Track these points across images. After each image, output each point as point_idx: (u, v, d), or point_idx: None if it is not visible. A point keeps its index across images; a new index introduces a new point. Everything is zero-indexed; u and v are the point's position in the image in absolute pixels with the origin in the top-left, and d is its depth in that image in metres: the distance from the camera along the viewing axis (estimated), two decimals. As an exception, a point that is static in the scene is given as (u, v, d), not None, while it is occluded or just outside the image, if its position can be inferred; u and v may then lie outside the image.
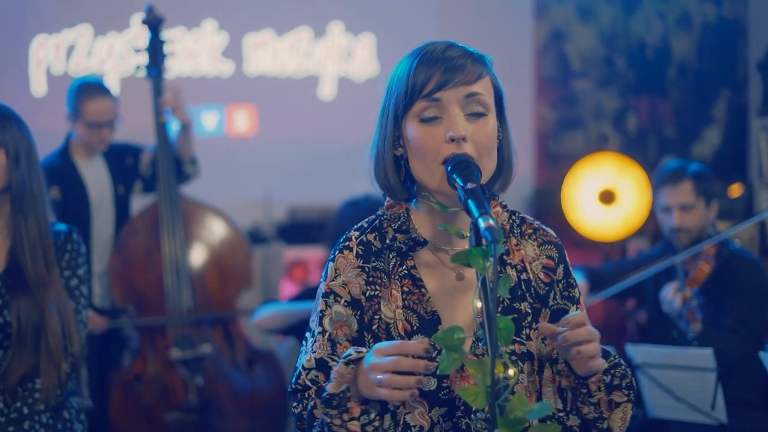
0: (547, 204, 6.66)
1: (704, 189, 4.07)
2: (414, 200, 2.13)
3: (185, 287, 4.70)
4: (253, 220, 6.23)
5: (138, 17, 6.26)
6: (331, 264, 2.12)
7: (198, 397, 4.61)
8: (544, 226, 2.18)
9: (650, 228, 6.23)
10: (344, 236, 2.15)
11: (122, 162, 4.92)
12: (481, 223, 1.76)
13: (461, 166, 1.92)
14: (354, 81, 6.74)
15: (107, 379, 4.71)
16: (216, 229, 4.92)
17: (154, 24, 4.88)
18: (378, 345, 1.89)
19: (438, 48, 2.03)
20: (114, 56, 6.30)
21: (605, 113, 7.35)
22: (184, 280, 4.71)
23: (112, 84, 6.26)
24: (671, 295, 3.84)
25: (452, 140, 1.97)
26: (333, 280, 2.10)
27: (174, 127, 4.90)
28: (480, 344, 1.93)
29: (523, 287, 2.10)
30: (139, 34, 6.31)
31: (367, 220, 2.17)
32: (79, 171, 4.79)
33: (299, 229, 6.41)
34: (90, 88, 4.73)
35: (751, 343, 3.86)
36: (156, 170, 4.82)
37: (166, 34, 4.97)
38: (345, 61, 6.73)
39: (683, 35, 7.51)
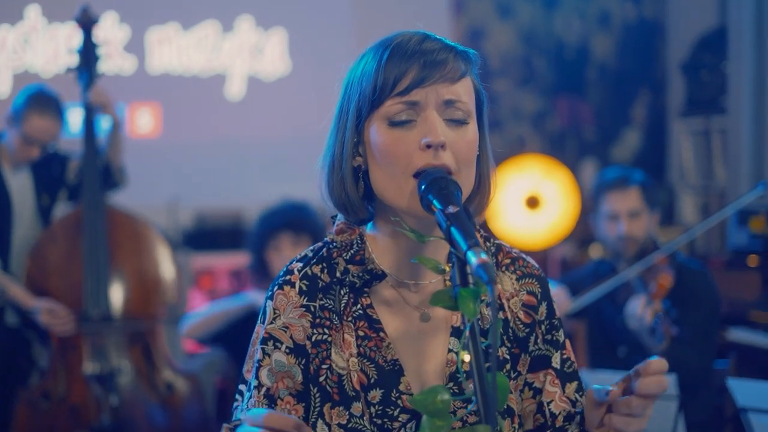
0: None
1: (649, 197, 3.93)
2: (370, 224, 1.78)
3: (104, 296, 4.43)
4: (158, 226, 5.86)
5: (33, 9, 5.91)
6: (269, 303, 1.75)
7: (111, 417, 4.29)
8: (524, 255, 1.84)
9: (577, 234, 6.03)
10: (285, 269, 1.78)
11: (48, 171, 4.65)
12: (473, 259, 1.40)
13: (438, 185, 1.56)
14: (263, 80, 6.45)
15: (12, 398, 4.39)
16: (142, 239, 4.64)
17: (88, 25, 4.56)
18: (249, 414, 1.52)
19: (413, 39, 1.67)
20: (6, 50, 5.92)
21: (524, 114, 7.15)
22: (103, 288, 4.43)
23: (4, 80, 5.88)
24: (641, 310, 3.57)
25: (428, 147, 1.61)
26: (272, 323, 1.73)
27: (104, 125, 4.62)
28: (470, 407, 1.56)
29: (500, 329, 1.76)
30: (34, 28, 5.94)
31: (312, 248, 1.80)
32: (3, 177, 4.52)
33: (207, 236, 6.21)
34: (43, 103, 4.41)
35: (708, 356, 3.71)
36: (82, 176, 4.54)
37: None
38: (254, 58, 6.43)
39: (603, 35, 7.36)
